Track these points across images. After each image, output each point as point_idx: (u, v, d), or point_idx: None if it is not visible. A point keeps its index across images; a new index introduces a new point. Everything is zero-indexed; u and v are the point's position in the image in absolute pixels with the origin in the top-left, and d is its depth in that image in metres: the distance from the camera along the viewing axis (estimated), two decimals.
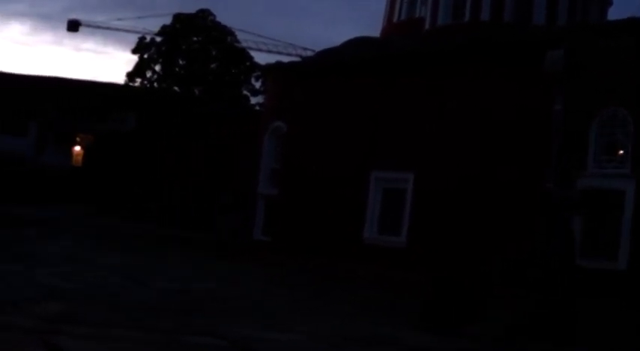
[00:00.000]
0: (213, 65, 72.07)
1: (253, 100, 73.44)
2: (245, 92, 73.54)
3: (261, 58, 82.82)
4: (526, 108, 27.02)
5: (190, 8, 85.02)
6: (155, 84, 72.33)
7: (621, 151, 25.76)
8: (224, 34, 72.56)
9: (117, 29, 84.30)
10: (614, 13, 37.11)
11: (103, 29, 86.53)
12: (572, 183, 25.56)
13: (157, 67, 72.47)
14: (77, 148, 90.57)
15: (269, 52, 79.92)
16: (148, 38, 73.31)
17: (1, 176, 62.59)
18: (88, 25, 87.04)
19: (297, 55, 74.75)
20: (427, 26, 35.10)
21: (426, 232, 29.10)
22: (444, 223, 28.53)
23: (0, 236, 26.09)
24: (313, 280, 27.84)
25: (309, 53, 68.69)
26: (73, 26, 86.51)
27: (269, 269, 30.57)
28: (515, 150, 27.02)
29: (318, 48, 44.01)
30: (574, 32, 28.01)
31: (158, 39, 72.49)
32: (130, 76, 73.02)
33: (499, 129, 27.67)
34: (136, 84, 73.20)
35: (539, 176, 26.08)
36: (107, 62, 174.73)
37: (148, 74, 72.60)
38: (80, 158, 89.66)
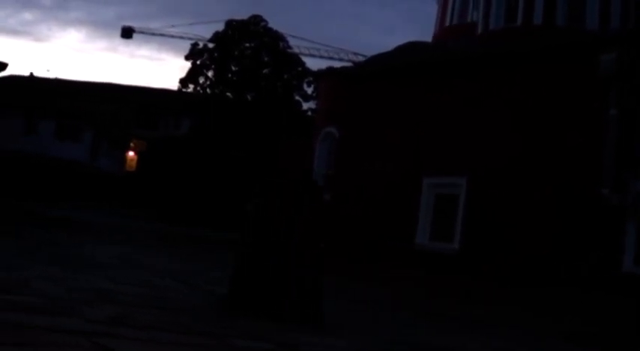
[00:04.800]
0: (265, 71, 72.31)
1: (305, 106, 73.65)
2: (297, 98, 73.71)
3: (313, 64, 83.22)
4: (580, 112, 26.83)
5: (243, 14, 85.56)
6: (208, 90, 72.75)
7: None
8: (276, 39, 72.79)
9: (170, 36, 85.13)
10: None
11: (157, 36, 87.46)
12: (627, 187, 25.35)
13: (210, 73, 72.88)
14: (131, 153, 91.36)
15: (321, 57, 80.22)
16: (201, 44, 73.84)
17: (56, 182, 63.31)
18: (142, 32, 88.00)
19: (349, 61, 74.89)
20: (479, 31, 34.99)
21: (479, 238, 28.96)
22: (497, 229, 28.37)
23: (55, 240, 26.36)
24: (364, 286, 27.81)
25: (360, 58, 68.70)
26: (127, 33, 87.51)
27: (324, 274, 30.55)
28: (569, 154, 26.81)
29: (370, 53, 44.08)
30: (627, 35, 27.78)
31: (211, 45, 72.93)
32: (183, 82, 73.55)
33: (552, 133, 27.47)
34: (189, 90, 73.70)
35: (593, 180, 25.88)
36: (161, 68, 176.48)
37: (201, 80, 73.08)
38: (134, 164, 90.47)
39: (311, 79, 70.60)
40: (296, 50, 76.30)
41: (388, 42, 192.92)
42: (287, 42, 74.19)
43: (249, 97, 71.05)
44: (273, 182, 12.40)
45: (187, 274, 19.75)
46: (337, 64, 65.60)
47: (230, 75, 72.18)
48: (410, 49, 36.70)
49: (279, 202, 11.93)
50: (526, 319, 21.84)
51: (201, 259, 29.64)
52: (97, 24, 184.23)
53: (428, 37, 42.21)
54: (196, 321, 10.35)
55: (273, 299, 11.55)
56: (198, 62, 73.03)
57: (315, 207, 12.31)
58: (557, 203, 26.83)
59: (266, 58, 72.47)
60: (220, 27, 73.07)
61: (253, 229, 11.99)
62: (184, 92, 74.41)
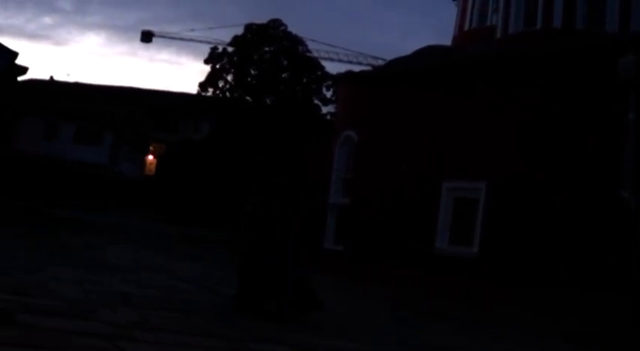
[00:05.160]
0: (284, 75, 72.38)
1: (324, 110, 73.70)
2: (316, 102, 73.75)
3: (332, 68, 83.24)
4: (600, 115, 26.72)
5: (262, 18, 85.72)
6: (227, 94, 72.86)
7: None
8: (295, 43, 72.88)
9: (190, 40, 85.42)
10: None
11: (177, 40, 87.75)
12: None
13: (229, 77, 73.00)
14: (150, 157, 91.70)
15: (340, 61, 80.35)
16: (220, 48, 73.97)
17: (76, 185, 63.61)
18: (162, 36, 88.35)
19: (368, 65, 75.01)
20: (499, 34, 34.91)
21: (498, 243, 28.88)
22: (517, 233, 28.29)
23: (74, 243, 26.48)
24: (382, 290, 27.85)
25: (380, 62, 68.76)
26: (147, 37, 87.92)
27: (339, 278, 30.66)
28: (589, 159, 26.70)
29: (389, 57, 44.06)
30: None
31: (230, 49, 73.07)
32: (203, 85, 73.69)
33: (572, 137, 27.37)
34: (209, 94, 73.83)
35: (612, 184, 25.78)
36: (181, 72, 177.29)
37: (220, 84, 73.17)
38: (153, 167, 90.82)
39: (330, 83, 70.69)
40: (315, 54, 76.44)
41: (407, 45, 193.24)
42: (306, 46, 74.34)
43: (268, 101, 71.14)
44: (271, 181, 12.45)
45: (199, 275, 19.86)
46: (356, 68, 65.71)
47: (249, 79, 72.29)
48: (429, 52, 36.63)
49: (277, 201, 11.98)
50: (546, 320, 21.79)
51: (212, 260, 29.85)
52: (116, 28, 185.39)
53: (447, 41, 42.21)
54: (210, 323, 10.36)
55: (272, 299, 11.61)
56: (217, 66, 73.18)
57: (313, 206, 12.34)
58: (577, 206, 26.71)
59: (285, 62, 72.56)
60: (240, 31, 73.29)
61: (251, 229, 12.05)
62: (204, 96, 74.55)
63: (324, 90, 73.50)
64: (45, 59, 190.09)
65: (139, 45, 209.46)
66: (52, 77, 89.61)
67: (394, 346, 11.27)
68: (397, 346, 11.33)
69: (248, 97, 71.83)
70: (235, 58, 72.37)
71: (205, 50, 79.45)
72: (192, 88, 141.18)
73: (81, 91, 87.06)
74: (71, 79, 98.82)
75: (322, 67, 74.50)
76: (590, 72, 27.42)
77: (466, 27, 39.44)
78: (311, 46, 75.63)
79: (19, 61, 55.14)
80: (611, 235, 25.57)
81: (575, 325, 20.53)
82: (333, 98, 68.95)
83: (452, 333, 15.29)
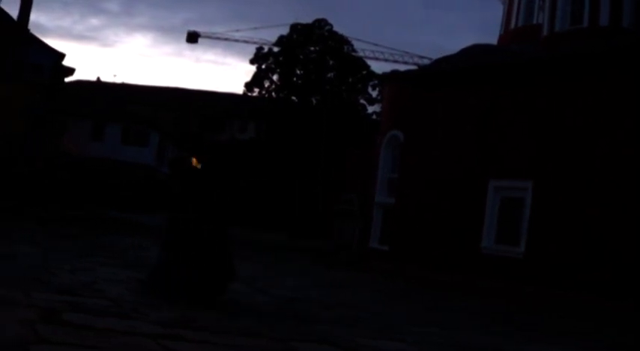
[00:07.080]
0: (329, 75, 72.42)
1: (370, 109, 73.69)
2: (362, 101, 73.72)
3: (377, 67, 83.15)
4: None
5: (307, 18, 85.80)
6: (273, 94, 73.03)
7: None
8: (341, 43, 72.92)
9: (235, 40, 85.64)
10: None
11: (223, 40, 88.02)
12: None
13: (275, 77, 73.19)
14: None
15: (386, 60, 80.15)
16: (266, 48, 74.18)
17: (122, 185, 63.99)
18: (208, 37, 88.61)
19: (413, 64, 74.76)
20: (545, 32, 34.63)
21: (545, 242, 28.67)
22: (564, 233, 28.07)
23: (121, 244, 26.68)
24: (428, 290, 27.78)
25: (425, 61, 68.56)
26: (192, 38, 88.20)
27: (386, 278, 30.65)
28: (635, 157, 26.43)
29: (435, 56, 43.90)
30: None
31: (276, 49, 73.21)
32: (248, 86, 73.93)
33: (618, 135, 27.10)
34: (254, 94, 74.06)
35: None
36: (227, 73, 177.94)
37: (266, 84, 73.40)
38: (199, 167, 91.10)
39: (376, 82, 70.67)
40: (361, 53, 76.41)
41: (453, 44, 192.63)
42: (351, 45, 74.36)
43: (314, 101, 71.21)
44: (189, 169, 12.74)
45: (248, 276, 19.89)
46: (402, 67, 65.57)
47: (295, 79, 72.41)
48: (475, 51, 36.44)
49: (192, 186, 12.24)
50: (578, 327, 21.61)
51: (267, 263, 29.93)
52: (162, 29, 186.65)
53: (493, 39, 41.99)
54: (257, 323, 10.38)
55: (176, 284, 11.62)
56: (263, 66, 73.42)
57: (223, 192, 12.54)
58: (625, 207, 26.45)
59: (331, 62, 72.62)
60: (285, 31, 73.50)
61: (169, 216, 12.28)
62: (250, 96, 74.82)
63: (369, 89, 73.54)
64: (92, 60, 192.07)
65: (185, 46, 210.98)
66: (98, 78, 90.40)
67: (438, 347, 11.24)
68: (441, 347, 11.29)
69: (294, 97, 71.97)
70: (281, 58, 72.53)
71: (251, 50, 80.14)
72: (239, 89, 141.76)
73: (127, 91, 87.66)
74: (118, 80, 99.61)
75: (368, 67, 74.50)
76: (636, 71, 27.11)
77: (512, 25, 39.22)
78: (356, 45, 75.73)
79: (66, 62, 55.71)
80: None
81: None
82: (378, 98, 68.94)
83: (496, 334, 15.21)
